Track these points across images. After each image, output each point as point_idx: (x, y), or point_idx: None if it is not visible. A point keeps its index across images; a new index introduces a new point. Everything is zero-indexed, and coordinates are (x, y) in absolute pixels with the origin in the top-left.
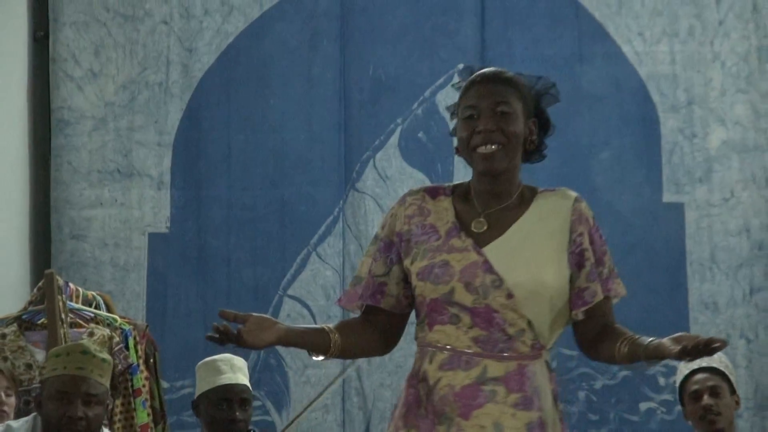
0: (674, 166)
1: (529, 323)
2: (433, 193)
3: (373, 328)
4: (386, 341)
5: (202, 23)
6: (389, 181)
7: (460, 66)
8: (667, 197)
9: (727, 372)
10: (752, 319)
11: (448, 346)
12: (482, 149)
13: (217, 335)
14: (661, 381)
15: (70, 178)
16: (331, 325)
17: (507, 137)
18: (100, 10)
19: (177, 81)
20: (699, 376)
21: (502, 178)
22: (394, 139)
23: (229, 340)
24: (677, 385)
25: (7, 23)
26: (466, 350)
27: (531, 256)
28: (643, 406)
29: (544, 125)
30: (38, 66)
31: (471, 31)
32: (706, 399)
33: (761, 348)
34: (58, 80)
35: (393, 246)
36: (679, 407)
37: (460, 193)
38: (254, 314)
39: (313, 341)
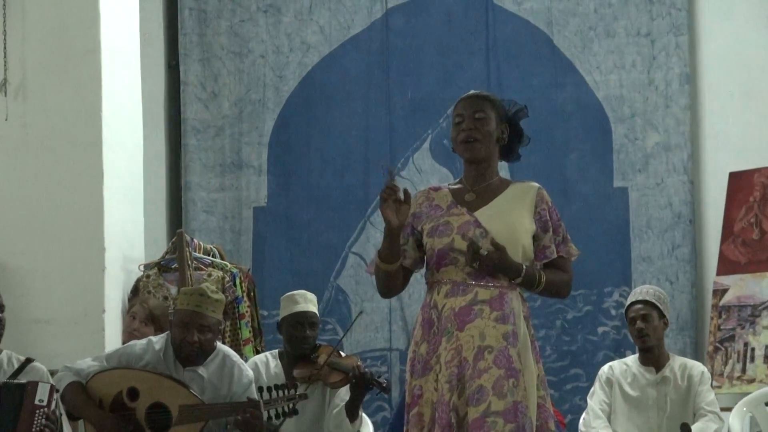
0: (621, 161)
1: None
2: (435, 188)
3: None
4: (402, 286)
5: (288, 57)
6: (423, 173)
7: (471, 92)
8: (617, 183)
9: (657, 303)
10: (674, 268)
11: (450, 280)
12: (466, 142)
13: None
14: (613, 312)
15: (201, 170)
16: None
17: (482, 134)
18: (217, 49)
19: (271, 98)
20: (635, 306)
21: (482, 164)
22: (427, 144)
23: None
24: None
25: (149, 55)
26: (463, 282)
27: (508, 218)
28: (600, 329)
29: (518, 135)
30: (171, 86)
31: (479, 66)
32: (639, 323)
33: (680, 287)
34: (192, 100)
35: (410, 225)
36: (626, 330)
37: (455, 183)
38: (406, 197)
39: (396, 252)
